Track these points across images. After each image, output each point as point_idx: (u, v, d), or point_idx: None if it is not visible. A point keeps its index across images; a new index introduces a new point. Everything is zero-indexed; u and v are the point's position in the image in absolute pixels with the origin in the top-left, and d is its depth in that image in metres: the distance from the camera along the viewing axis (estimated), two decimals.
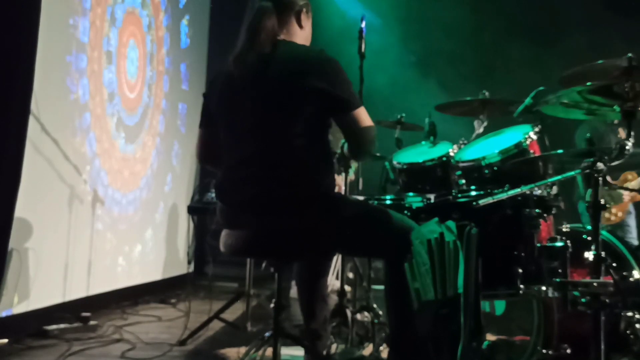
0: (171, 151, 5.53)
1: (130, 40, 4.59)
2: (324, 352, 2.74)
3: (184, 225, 5.39)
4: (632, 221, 4.48)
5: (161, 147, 5.27)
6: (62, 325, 3.44)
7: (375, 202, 2.64)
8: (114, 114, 4.36)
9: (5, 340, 3.07)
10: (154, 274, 5.08)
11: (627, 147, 2.06)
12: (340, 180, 3.39)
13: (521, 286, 2.30)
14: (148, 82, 4.95)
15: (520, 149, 2.54)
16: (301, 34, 2.35)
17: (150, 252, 5.09)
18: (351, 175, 3.51)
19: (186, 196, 5.78)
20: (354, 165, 3.50)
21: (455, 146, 2.90)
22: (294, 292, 3.98)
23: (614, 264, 2.44)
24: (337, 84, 2.15)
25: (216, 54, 6.14)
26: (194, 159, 5.93)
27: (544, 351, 2.49)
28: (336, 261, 4.05)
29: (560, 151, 2.38)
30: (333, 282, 4.17)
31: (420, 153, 3.00)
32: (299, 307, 2.78)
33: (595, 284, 2.06)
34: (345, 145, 2.52)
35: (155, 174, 5.15)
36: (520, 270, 2.30)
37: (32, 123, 3.25)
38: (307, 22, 2.38)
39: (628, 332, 2.43)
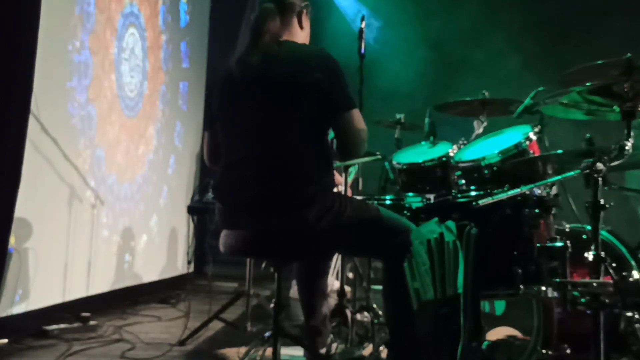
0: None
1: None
2: (324, 349, 2.75)
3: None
4: None
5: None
6: (62, 325, 3.44)
7: (375, 202, 2.63)
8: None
9: (5, 340, 3.07)
10: (154, 274, 5.07)
11: (626, 147, 2.06)
12: (340, 179, 3.39)
13: (521, 286, 2.30)
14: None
15: (520, 149, 2.54)
16: (301, 35, 2.38)
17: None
18: (351, 179, 3.51)
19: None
20: (354, 168, 3.50)
21: (455, 146, 2.90)
22: (294, 292, 3.99)
23: (614, 264, 2.44)
24: (335, 82, 2.16)
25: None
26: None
27: (544, 351, 2.49)
28: (336, 261, 4.05)
29: (560, 151, 2.38)
30: (333, 282, 4.17)
31: (420, 153, 3.00)
32: (300, 303, 2.80)
33: (595, 284, 2.06)
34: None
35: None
36: (519, 271, 2.29)
37: (32, 123, 3.25)
38: (306, 23, 2.41)
39: (628, 332, 2.43)
